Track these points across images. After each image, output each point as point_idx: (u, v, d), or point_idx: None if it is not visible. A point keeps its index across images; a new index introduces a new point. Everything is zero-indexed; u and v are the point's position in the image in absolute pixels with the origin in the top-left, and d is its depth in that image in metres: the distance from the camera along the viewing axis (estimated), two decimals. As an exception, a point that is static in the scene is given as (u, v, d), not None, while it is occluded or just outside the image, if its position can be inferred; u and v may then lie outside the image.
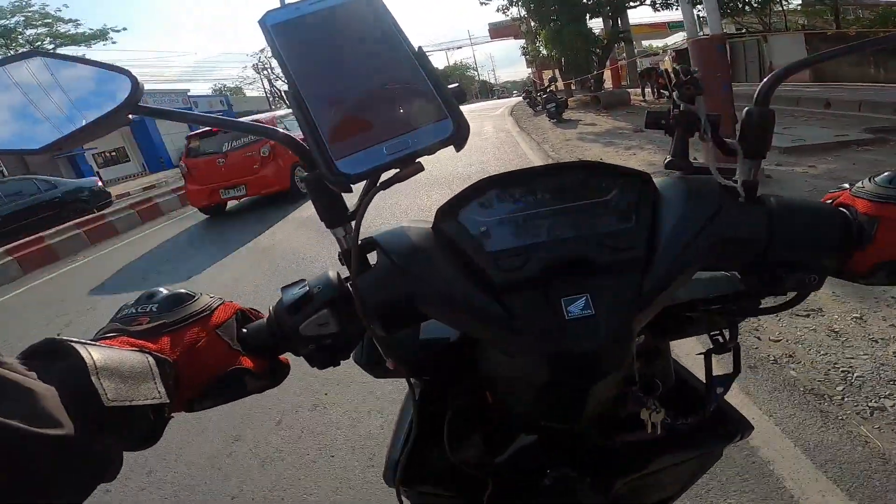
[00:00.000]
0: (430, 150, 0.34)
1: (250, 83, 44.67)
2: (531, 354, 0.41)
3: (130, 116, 0.39)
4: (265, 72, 38.96)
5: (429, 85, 0.36)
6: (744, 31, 18.38)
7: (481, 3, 24.44)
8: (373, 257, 0.44)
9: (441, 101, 0.35)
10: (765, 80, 0.43)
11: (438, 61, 63.03)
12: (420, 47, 0.38)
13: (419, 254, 0.43)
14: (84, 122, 0.39)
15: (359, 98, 0.36)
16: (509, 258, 0.41)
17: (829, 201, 0.47)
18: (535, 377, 0.43)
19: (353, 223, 0.39)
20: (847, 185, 0.47)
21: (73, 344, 0.32)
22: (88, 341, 0.34)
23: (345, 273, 0.44)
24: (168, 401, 0.35)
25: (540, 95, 14.64)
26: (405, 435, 0.55)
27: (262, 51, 37.53)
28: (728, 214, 0.43)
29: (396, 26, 0.38)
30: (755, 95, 0.43)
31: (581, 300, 0.39)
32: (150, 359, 0.36)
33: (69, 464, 0.27)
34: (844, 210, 0.45)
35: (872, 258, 0.43)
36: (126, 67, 0.41)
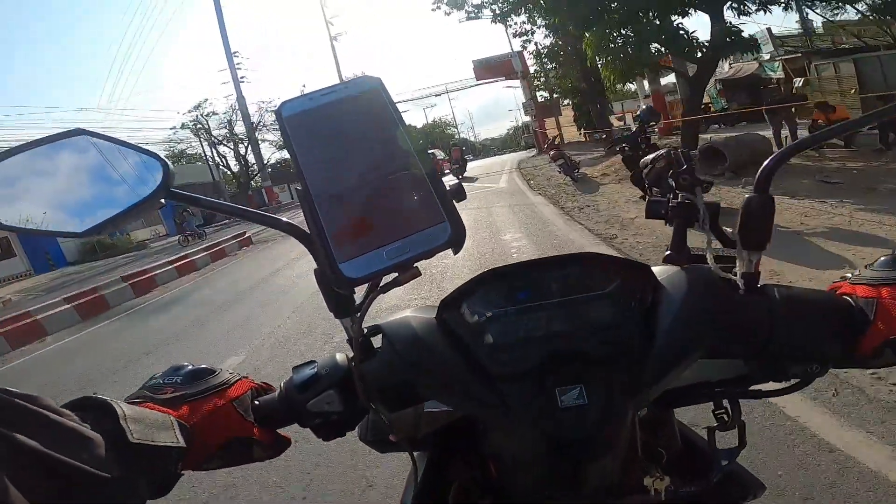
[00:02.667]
0: (428, 255, 0.36)
1: (178, 144, 35.05)
2: (527, 438, 0.42)
3: (163, 200, 0.42)
4: (203, 133, 32.79)
5: (428, 185, 0.38)
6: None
7: (446, 14, 18.67)
8: (378, 340, 0.47)
9: (439, 203, 0.37)
10: (765, 163, 0.43)
11: (416, 118, 63.28)
12: (422, 143, 0.40)
13: (422, 344, 0.45)
14: (124, 207, 0.42)
15: (362, 198, 0.38)
16: (507, 351, 0.43)
17: (832, 291, 0.48)
18: (535, 455, 0.44)
19: (359, 314, 0.42)
20: (848, 274, 0.48)
21: (105, 399, 0.37)
22: (117, 400, 0.39)
23: (352, 355, 0.46)
24: (185, 446, 0.40)
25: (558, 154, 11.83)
26: None
27: (197, 107, 32.39)
28: (728, 307, 0.44)
29: (401, 122, 0.40)
30: (755, 181, 0.43)
31: (575, 390, 0.41)
32: (171, 417, 0.41)
33: (110, 499, 0.32)
34: (846, 297, 0.46)
35: (876, 339, 0.43)
36: (156, 151, 0.45)
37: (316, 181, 0.38)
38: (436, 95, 32.98)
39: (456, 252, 0.37)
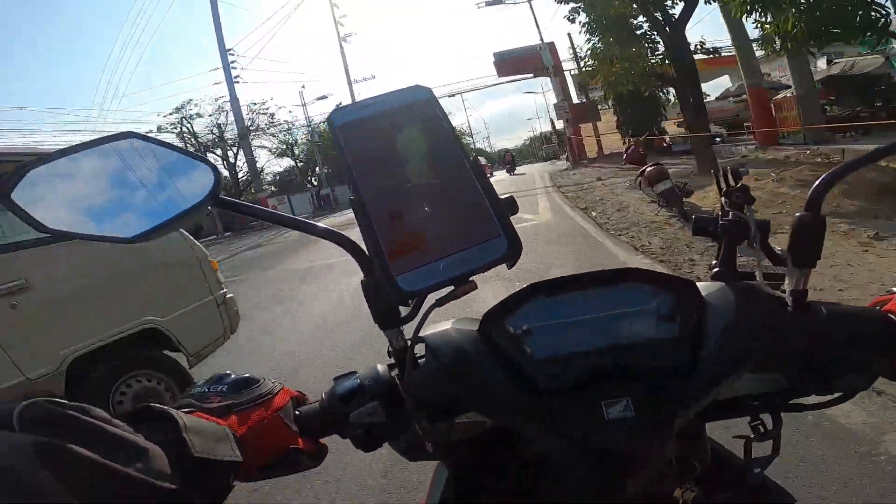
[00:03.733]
0: (484, 269, 0.36)
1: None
2: (569, 451, 0.42)
3: (210, 208, 0.43)
4: (186, 136, 28.34)
5: (483, 198, 0.37)
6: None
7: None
8: (419, 350, 0.47)
9: (495, 217, 0.37)
10: (816, 182, 0.43)
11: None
12: (476, 157, 0.40)
13: (466, 357, 0.44)
14: (173, 214, 0.42)
15: (417, 210, 0.38)
16: (553, 365, 0.43)
17: (878, 305, 0.48)
18: (575, 468, 0.44)
19: (413, 330, 0.42)
20: (894, 289, 0.48)
21: (165, 409, 0.37)
22: (175, 410, 0.39)
23: (393, 366, 0.47)
24: (242, 459, 0.40)
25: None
26: None
27: (179, 109, 28.34)
28: (776, 324, 0.44)
29: (454, 133, 0.40)
30: (807, 200, 0.43)
31: (621, 403, 0.41)
32: (227, 429, 0.41)
33: None
34: (892, 315, 0.46)
35: None
36: (209, 158, 0.45)
37: (370, 191, 0.38)
38: (449, 96, 30.06)
39: (510, 266, 0.37)
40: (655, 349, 0.43)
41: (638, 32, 10.40)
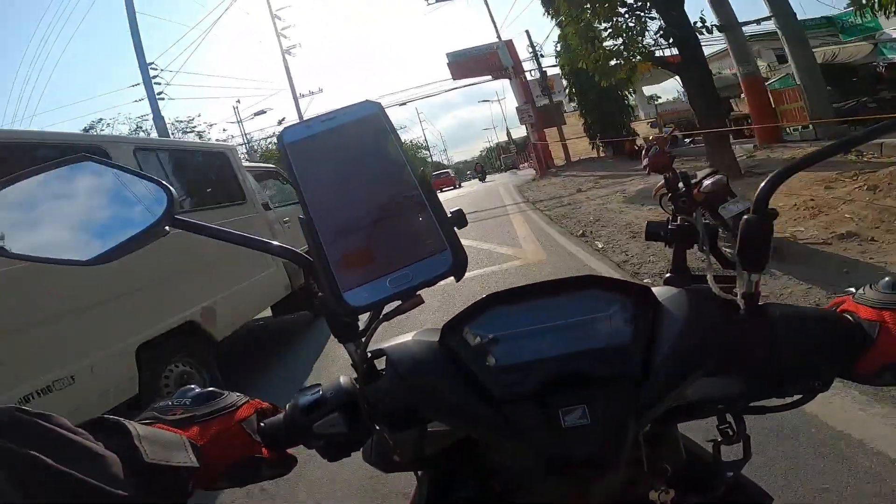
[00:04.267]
0: (430, 284, 0.36)
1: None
2: (530, 458, 0.43)
3: (167, 228, 0.43)
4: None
5: (430, 212, 0.38)
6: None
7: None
8: (381, 363, 0.48)
9: (441, 231, 0.38)
10: (762, 184, 0.44)
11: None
12: (423, 170, 0.41)
13: (424, 367, 0.45)
14: (128, 235, 0.42)
15: (365, 226, 0.38)
16: (510, 374, 0.43)
17: (834, 307, 0.49)
18: (538, 475, 0.44)
19: (366, 343, 0.42)
20: (852, 290, 0.49)
21: (119, 420, 0.38)
22: (130, 421, 0.39)
23: (356, 378, 0.47)
24: (198, 465, 0.40)
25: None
26: None
27: (88, 129, 24.14)
28: (728, 327, 0.45)
29: (401, 147, 0.41)
30: (753, 202, 0.44)
31: (578, 410, 0.41)
32: (184, 438, 0.41)
33: None
34: (848, 316, 0.46)
35: (877, 361, 0.44)
36: (161, 180, 0.45)
37: (319, 209, 0.39)
38: (400, 105, 26.31)
39: (457, 279, 0.38)
40: (611, 355, 0.43)
41: (622, 9, 7.94)
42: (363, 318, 0.43)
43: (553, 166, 20.56)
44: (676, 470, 0.51)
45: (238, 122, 30.34)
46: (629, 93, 16.27)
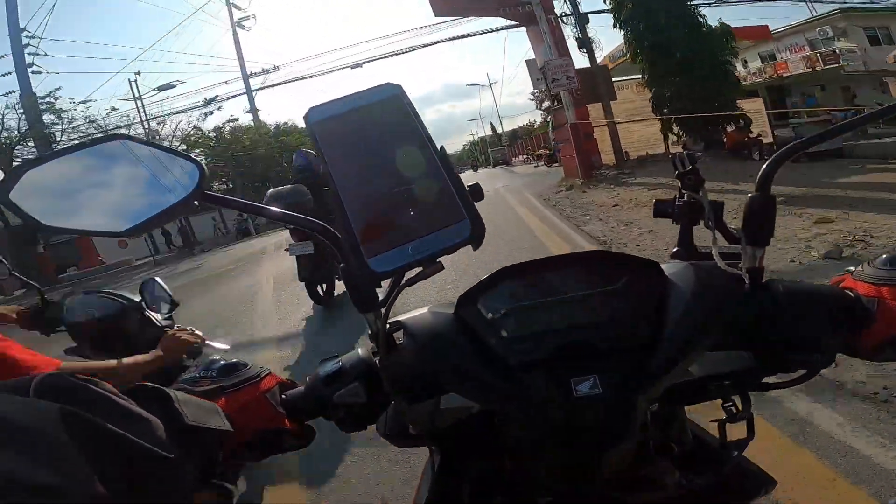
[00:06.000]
0: (450, 251, 0.39)
1: None
2: (543, 428, 0.44)
3: (196, 203, 0.45)
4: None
5: (449, 185, 0.41)
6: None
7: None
8: (400, 335, 0.49)
9: (460, 201, 0.40)
10: (764, 164, 0.45)
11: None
12: (443, 147, 0.43)
13: (440, 338, 0.47)
14: (160, 209, 0.45)
15: (388, 198, 0.41)
16: (522, 343, 0.45)
17: (835, 285, 0.50)
18: (550, 446, 0.46)
19: (384, 310, 0.44)
20: (851, 268, 0.50)
21: (158, 386, 0.40)
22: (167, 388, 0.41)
23: (375, 349, 0.50)
24: (232, 430, 0.43)
25: None
26: (424, 502, 0.57)
27: None
28: (733, 301, 0.46)
29: (422, 126, 0.43)
30: (756, 181, 0.45)
31: (589, 380, 0.43)
32: (216, 405, 0.44)
33: (170, 480, 0.35)
34: (849, 292, 0.48)
35: (878, 336, 0.45)
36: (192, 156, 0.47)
37: (344, 183, 0.41)
38: (352, 67, 20.13)
39: (475, 248, 0.40)
40: (620, 328, 0.45)
41: None
42: (381, 292, 0.45)
43: (600, 164, 13.20)
44: (683, 451, 0.52)
45: (136, 97, 24.36)
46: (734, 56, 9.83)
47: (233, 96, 26.28)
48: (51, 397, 0.31)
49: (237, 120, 29.95)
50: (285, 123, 35.85)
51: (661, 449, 0.49)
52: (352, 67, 20.65)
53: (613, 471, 0.46)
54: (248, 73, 28.00)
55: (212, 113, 30.13)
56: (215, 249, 19.26)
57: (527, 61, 13.62)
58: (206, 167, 0.46)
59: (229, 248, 18.53)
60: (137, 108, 24.45)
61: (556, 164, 19.03)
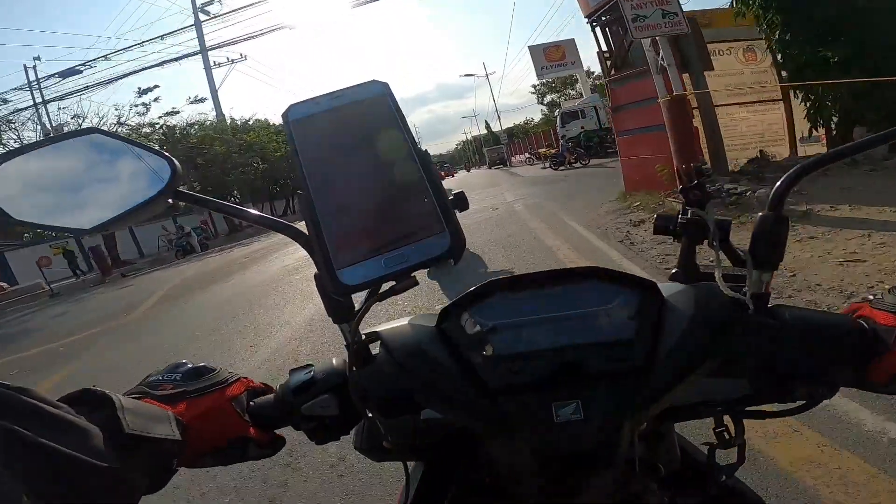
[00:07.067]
0: (426, 266, 0.36)
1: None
2: (523, 451, 0.42)
3: (170, 201, 0.43)
4: None
5: (430, 194, 0.38)
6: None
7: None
8: (376, 347, 0.47)
9: (440, 212, 0.37)
10: (778, 182, 0.43)
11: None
12: (426, 151, 0.41)
13: (419, 353, 0.45)
14: (130, 206, 0.43)
15: (364, 205, 0.38)
16: (506, 363, 0.43)
17: (851, 313, 0.47)
18: (530, 469, 0.43)
19: (356, 320, 0.42)
20: (870, 297, 0.47)
21: (104, 392, 0.38)
22: (116, 393, 0.39)
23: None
24: (181, 439, 0.40)
25: None
26: None
27: None
28: (735, 328, 0.43)
29: (406, 129, 0.41)
30: (769, 199, 0.43)
31: (571, 405, 0.40)
32: (168, 412, 0.41)
33: (109, 490, 0.33)
34: (863, 322, 0.45)
35: (891, 368, 0.43)
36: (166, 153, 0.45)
37: (318, 186, 0.39)
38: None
39: (455, 263, 0.38)
40: (612, 350, 0.43)
41: None
42: (358, 300, 0.42)
43: (699, 158, 7.24)
44: (670, 471, 0.50)
45: (30, 83, 22.39)
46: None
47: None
48: None
49: (178, 112, 25.80)
50: (247, 121, 31.36)
51: (649, 469, 0.47)
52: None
53: (597, 492, 0.44)
54: (213, 63, 25.81)
55: (148, 105, 26.18)
56: (142, 271, 16.71)
57: (530, 47, 12.48)
58: (177, 164, 0.44)
59: (156, 270, 16.16)
60: (33, 96, 22.81)
61: (564, 168, 18.12)
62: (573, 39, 18.02)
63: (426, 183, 0.38)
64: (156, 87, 24.40)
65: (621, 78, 8.34)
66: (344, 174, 0.40)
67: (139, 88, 23.69)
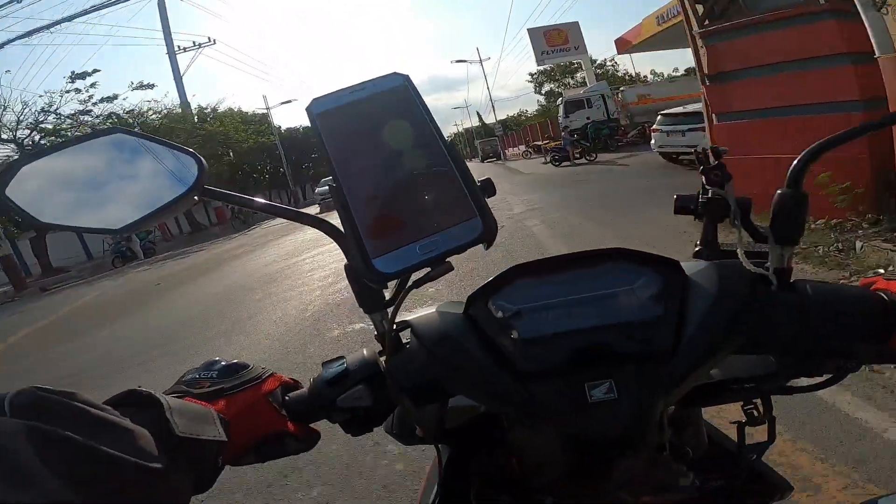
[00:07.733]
0: (460, 250, 0.37)
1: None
2: (554, 434, 0.43)
3: (196, 198, 0.43)
4: None
5: (459, 181, 0.38)
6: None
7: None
8: (406, 335, 0.48)
9: (470, 198, 0.38)
10: (795, 161, 0.43)
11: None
12: (452, 139, 0.41)
13: (449, 340, 0.45)
14: (159, 205, 0.43)
15: (394, 194, 0.39)
16: (535, 346, 0.43)
17: (866, 286, 0.47)
18: (561, 452, 0.44)
19: (390, 310, 0.43)
20: (881, 271, 0.47)
21: (150, 392, 0.38)
22: (161, 393, 0.40)
23: (380, 349, 0.48)
24: (226, 439, 0.41)
25: None
26: (432, 501, 0.55)
27: None
28: (759, 303, 0.44)
29: (430, 117, 0.41)
30: (787, 176, 0.43)
31: (604, 385, 0.41)
32: (213, 411, 0.42)
33: (159, 492, 0.33)
34: (882, 294, 0.45)
35: None
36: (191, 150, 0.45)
37: (348, 178, 0.39)
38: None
39: (487, 247, 0.38)
40: (639, 330, 0.43)
41: None
42: (388, 290, 0.43)
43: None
44: (698, 455, 0.51)
45: None
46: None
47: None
48: (22, 414, 0.29)
49: (115, 98, 22.22)
50: (215, 108, 28.72)
51: (676, 451, 0.48)
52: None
53: (625, 474, 0.45)
54: (178, 47, 23.69)
55: (79, 90, 20.96)
56: (71, 283, 14.02)
57: (529, 30, 11.08)
58: (204, 161, 0.44)
59: (92, 280, 13.75)
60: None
61: (568, 164, 16.12)
62: (577, 22, 16.39)
63: (454, 170, 0.39)
64: (95, 71, 20.79)
65: (732, 28, 5.05)
66: (372, 165, 0.40)
67: (72, 73, 20.64)
